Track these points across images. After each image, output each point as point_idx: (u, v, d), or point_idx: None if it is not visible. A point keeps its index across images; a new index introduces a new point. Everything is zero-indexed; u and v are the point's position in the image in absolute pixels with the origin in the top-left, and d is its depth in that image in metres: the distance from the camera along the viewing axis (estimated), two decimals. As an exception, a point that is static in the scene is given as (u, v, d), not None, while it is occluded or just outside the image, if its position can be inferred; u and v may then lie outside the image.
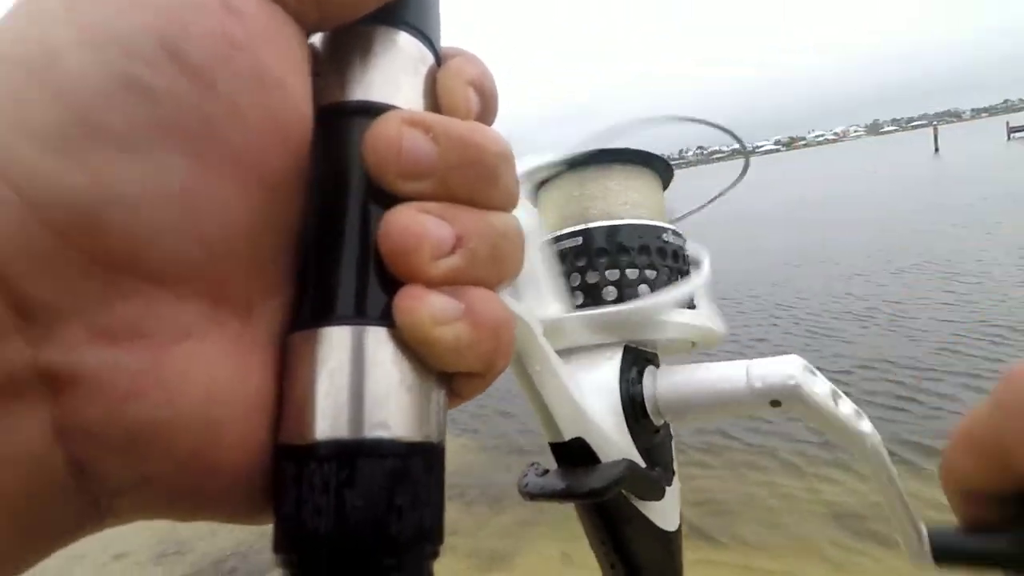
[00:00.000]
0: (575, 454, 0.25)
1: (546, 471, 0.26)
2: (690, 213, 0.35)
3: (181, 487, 0.13)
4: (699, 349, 0.31)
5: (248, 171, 0.13)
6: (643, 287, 0.30)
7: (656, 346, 0.30)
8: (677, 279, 0.31)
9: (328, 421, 0.13)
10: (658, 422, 0.29)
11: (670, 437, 0.31)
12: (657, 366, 0.30)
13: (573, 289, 0.30)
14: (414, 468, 0.13)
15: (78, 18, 0.12)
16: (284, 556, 0.13)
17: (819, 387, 0.26)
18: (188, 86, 0.12)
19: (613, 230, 0.30)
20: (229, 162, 0.13)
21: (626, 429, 0.27)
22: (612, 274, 0.30)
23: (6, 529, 0.12)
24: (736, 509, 2.38)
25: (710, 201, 0.37)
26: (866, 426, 0.27)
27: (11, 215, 0.11)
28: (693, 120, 0.34)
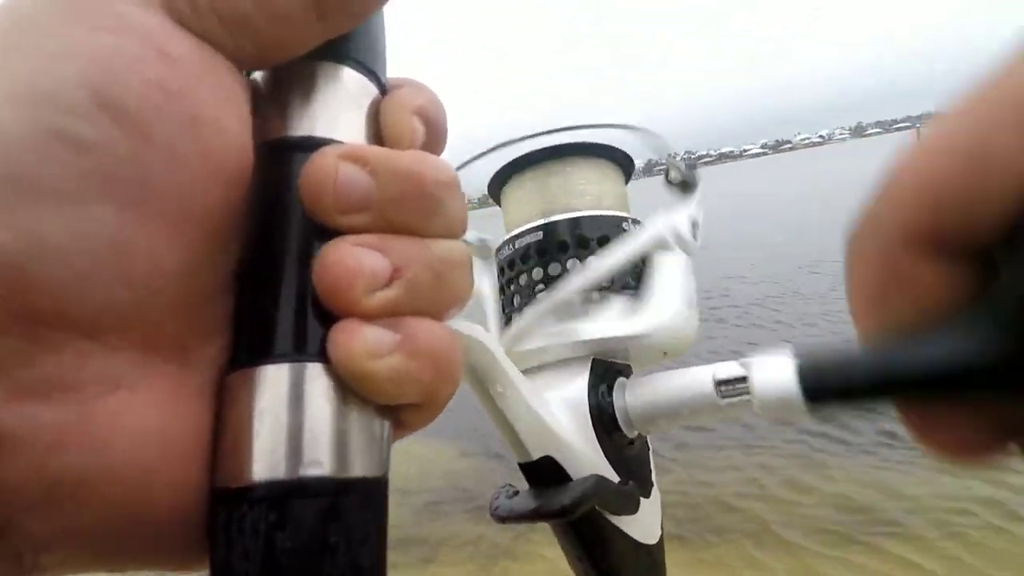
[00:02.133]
0: (545, 473, 0.25)
1: (516, 492, 0.26)
2: (472, 160, 0.33)
3: (111, 539, 0.13)
4: (671, 356, 0.31)
5: (183, 215, 0.13)
6: (613, 296, 0.30)
7: (627, 357, 0.30)
8: (641, 268, 0.31)
9: (264, 462, 0.13)
10: (631, 434, 0.28)
11: (647, 449, 0.30)
12: (628, 377, 0.30)
13: (535, 283, 0.30)
14: (349, 505, 0.13)
15: (4, 73, 0.12)
16: None
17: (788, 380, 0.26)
18: (122, 136, 0.12)
19: (574, 223, 0.30)
20: (164, 208, 0.13)
21: (597, 444, 0.27)
22: (573, 264, 0.30)
23: None
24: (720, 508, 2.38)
25: (492, 149, 0.36)
26: None
27: None
28: (603, 126, 0.34)
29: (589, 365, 0.28)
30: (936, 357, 0.12)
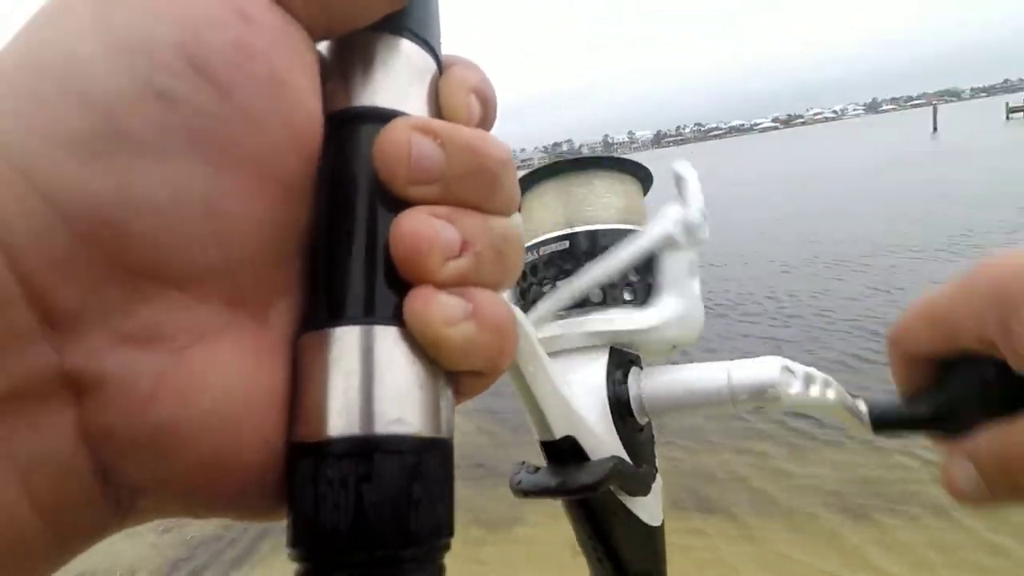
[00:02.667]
0: (566, 452, 0.27)
1: (536, 469, 0.28)
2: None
3: (199, 486, 0.13)
4: (680, 350, 0.32)
5: (264, 175, 0.14)
6: (627, 291, 0.31)
7: (638, 348, 0.32)
8: (652, 265, 0.32)
9: (343, 418, 0.13)
10: (642, 421, 0.30)
11: (652, 436, 0.32)
12: (640, 367, 0.31)
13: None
14: (430, 463, 0.14)
15: (104, 27, 0.13)
16: (302, 551, 0.13)
17: (796, 386, 0.27)
18: (208, 94, 0.13)
19: (598, 235, 0.31)
20: (246, 167, 0.13)
21: (613, 427, 0.28)
22: None
23: (36, 529, 0.12)
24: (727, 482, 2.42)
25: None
26: (862, 406, 0.28)
27: (39, 222, 0.12)
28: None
29: (607, 353, 0.30)
30: (919, 409, 0.27)
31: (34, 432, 0.12)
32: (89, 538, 0.14)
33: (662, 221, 0.31)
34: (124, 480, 0.13)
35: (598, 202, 0.32)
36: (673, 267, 0.31)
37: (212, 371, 0.13)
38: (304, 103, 0.14)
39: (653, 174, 0.34)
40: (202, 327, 0.13)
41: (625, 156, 0.33)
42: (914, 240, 5.76)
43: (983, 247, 5.10)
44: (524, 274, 0.33)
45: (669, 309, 0.30)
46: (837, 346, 3.56)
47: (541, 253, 0.32)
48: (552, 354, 0.31)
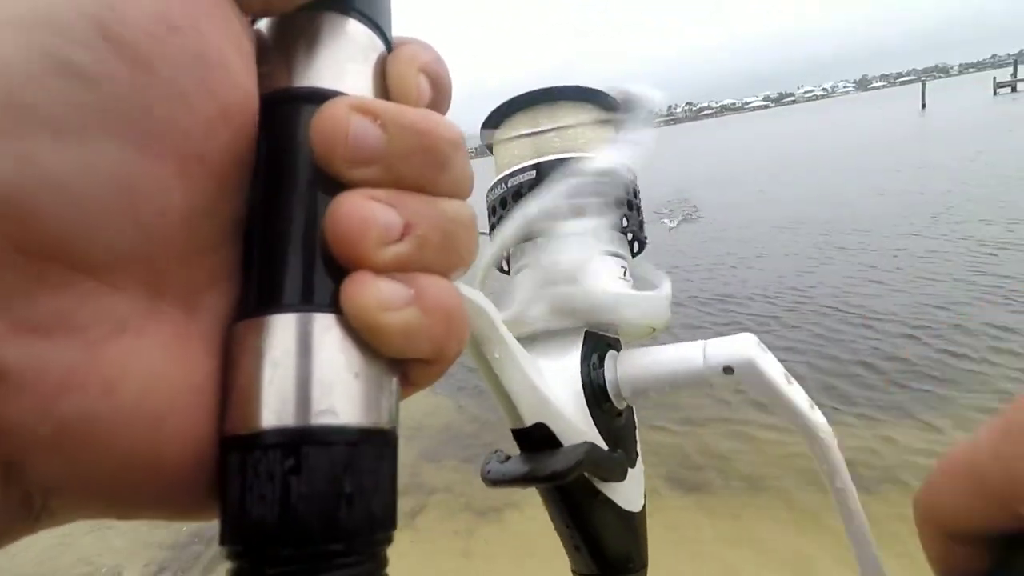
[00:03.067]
0: (537, 439, 0.26)
1: (508, 457, 0.27)
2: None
3: (119, 485, 0.13)
4: (659, 331, 0.31)
5: (189, 155, 0.13)
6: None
7: (617, 331, 0.31)
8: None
9: (274, 409, 0.13)
10: (620, 406, 0.29)
11: (633, 420, 0.31)
12: (618, 350, 0.30)
13: None
14: (363, 455, 0.13)
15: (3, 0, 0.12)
16: (231, 547, 0.13)
17: (772, 364, 0.27)
18: (124, 69, 0.12)
19: (567, 163, 0.30)
20: (169, 146, 0.13)
21: (588, 413, 0.27)
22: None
23: None
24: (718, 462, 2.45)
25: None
26: (818, 417, 0.27)
27: None
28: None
29: (582, 337, 0.29)
30: None
31: None
32: None
33: (606, 153, 0.30)
34: (34, 479, 0.12)
35: (565, 132, 0.31)
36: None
37: (132, 364, 0.13)
38: (235, 80, 0.14)
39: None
40: (120, 317, 0.13)
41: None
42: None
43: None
44: (494, 208, 0.33)
45: (645, 287, 0.30)
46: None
47: (510, 185, 0.31)
48: (526, 339, 0.30)
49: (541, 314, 0.29)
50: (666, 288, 0.31)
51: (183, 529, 2.58)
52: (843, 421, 2.49)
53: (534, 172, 0.31)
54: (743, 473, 2.37)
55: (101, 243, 0.12)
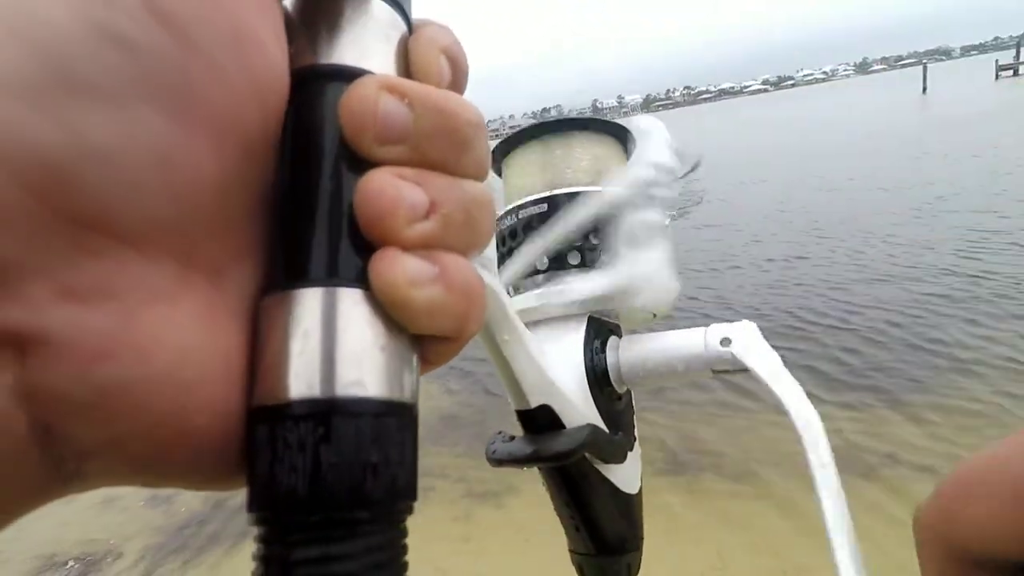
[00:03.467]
0: (541, 421, 0.26)
1: (512, 438, 0.28)
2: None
3: (150, 451, 0.13)
4: (659, 317, 0.32)
5: (225, 130, 0.13)
6: (572, 255, 0.30)
7: (619, 317, 0.31)
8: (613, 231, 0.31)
9: (302, 380, 0.13)
10: (621, 390, 0.30)
11: (632, 404, 0.32)
12: (620, 336, 0.31)
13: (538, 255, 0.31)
14: (388, 427, 0.14)
15: None
16: (259, 514, 0.13)
17: (770, 352, 0.28)
18: (168, 41, 0.12)
19: (577, 197, 0.31)
20: (206, 120, 0.13)
21: (590, 397, 0.28)
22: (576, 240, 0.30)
23: None
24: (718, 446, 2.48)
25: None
26: (810, 408, 0.27)
27: None
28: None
29: (585, 322, 0.29)
30: None
31: None
32: (24, 502, 0.13)
33: (616, 182, 0.30)
34: (68, 442, 0.12)
35: (578, 164, 0.31)
36: (628, 229, 0.30)
37: (165, 333, 0.13)
38: (269, 58, 0.14)
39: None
40: (155, 287, 0.13)
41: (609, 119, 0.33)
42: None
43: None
44: (504, 238, 0.33)
45: (619, 273, 0.30)
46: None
47: (520, 216, 0.32)
48: (531, 324, 0.30)
49: (545, 302, 0.29)
50: (631, 270, 0.31)
51: (182, 510, 2.61)
52: (830, 415, 2.51)
53: (545, 205, 0.31)
54: (733, 459, 2.39)
55: (138, 212, 0.12)
